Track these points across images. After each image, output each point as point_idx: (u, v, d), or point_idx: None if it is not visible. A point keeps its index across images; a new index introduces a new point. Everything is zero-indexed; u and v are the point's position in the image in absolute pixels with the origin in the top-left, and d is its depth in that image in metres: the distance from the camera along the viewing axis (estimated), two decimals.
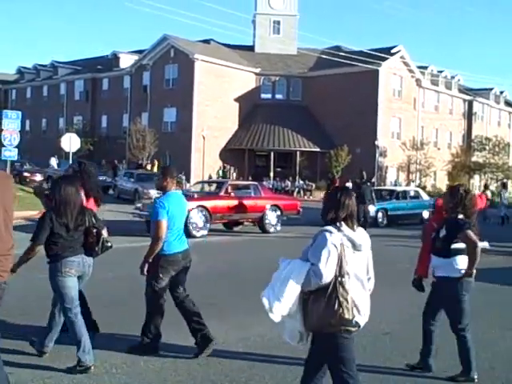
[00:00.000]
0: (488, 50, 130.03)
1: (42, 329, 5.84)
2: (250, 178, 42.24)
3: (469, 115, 56.42)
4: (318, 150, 46.61)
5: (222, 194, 18.32)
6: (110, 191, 32.34)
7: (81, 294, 6.21)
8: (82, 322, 5.49)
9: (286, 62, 50.59)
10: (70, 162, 28.80)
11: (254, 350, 6.13)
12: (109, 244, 5.74)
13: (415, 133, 49.29)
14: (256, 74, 49.61)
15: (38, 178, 37.22)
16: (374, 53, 44.34)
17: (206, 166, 44.49)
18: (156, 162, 41.07)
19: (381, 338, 6.68)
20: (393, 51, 47.54)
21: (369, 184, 19.55)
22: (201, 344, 5.88)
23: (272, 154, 47.05)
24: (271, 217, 19.08)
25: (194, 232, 16.69)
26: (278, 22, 52.34)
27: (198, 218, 16.91)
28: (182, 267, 6.05)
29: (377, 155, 46.06)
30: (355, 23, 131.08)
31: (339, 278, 3.84)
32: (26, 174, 34.14)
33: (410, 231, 21.27)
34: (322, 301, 3.84)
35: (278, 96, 50.32)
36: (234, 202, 18.08)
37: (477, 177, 51.73)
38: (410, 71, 49.05)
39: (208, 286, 9.50)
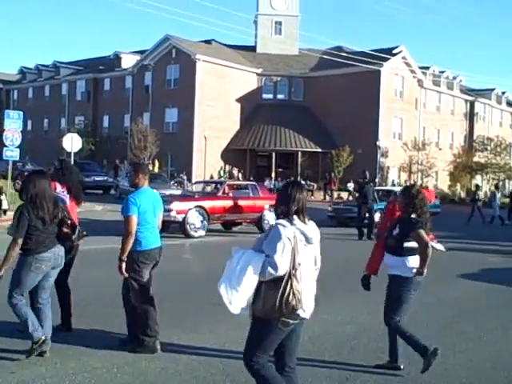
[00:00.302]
0: (490, 51, 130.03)
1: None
2: (252, 179, 42.29)
3: (470, 116, 56.38)
4: (319, 150, 46.60)
5: (220, 194, 18.27)
6: (112, 191, 32.36)
7: (66, 286, 6.45)
8: (27, 307, 5.68)
9: (288, 62, 50.60)
10: (72, 162, 28.88)
11: None
12: (84, 232, 5.99)
13: (417, 133, 49.27)
14: (258, 74, 49.63)
15: None
16: (375, 53, 44.32)
17: (208, 166, 44.51)
18: (156, 162, 41.08)
19: (383, 339, 6.66)
20: (394, 52, 47.54)
21: (371, 184, 19.36)
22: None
23: (273, 154, 47.05)
24: (270, 217, 18.84)
25: (192, 232, 16.65)
26: (280, 23, 52.35)
27: (195, 219, 16.83)
28: (156, 263, 6.15)
29: (378, 155, 46.06)
30: (357, 24, 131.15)
31: (293, 271, 3.95)
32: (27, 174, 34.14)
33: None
34: (276, 291, 3.92)
35: (280, 96, 50.33)
36: (232, 203, 18.03)
37: (479, 177, 51.68)
38: (412, 72, 49.04)
39: (209, 286, 9.49)
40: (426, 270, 5.47)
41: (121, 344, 6.02)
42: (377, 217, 21.96)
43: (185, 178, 40.04)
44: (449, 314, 8.17)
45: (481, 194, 28.67)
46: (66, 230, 5.68)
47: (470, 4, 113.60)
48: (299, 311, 4.03)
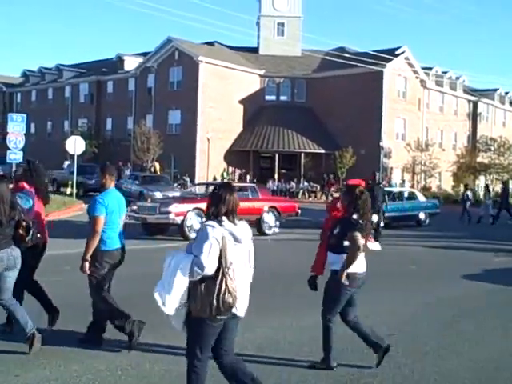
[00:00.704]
0: (492, 51, 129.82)
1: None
2: (255, 180, 42.29)
3: (474, 116, 56.31)
4: (322, 151, 46.59)
5: None
6: None
7: (34, 283, 6.61)
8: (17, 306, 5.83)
9: (291, 63, 50.60)
10: (75, 164, 28.98)
11: (261, 351, 6.14)
12: (38, 235, 6.08)
13: (420, 134, 49.21)
14: (260, 75, 49.65)
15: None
16: (378, 54, 44.30)
17: (211, 168, 44.54)
18: (157, 164, 40.99)
19: (388, 340, 6.66)
20: (397, 52, 47.51)
21: (381, 186, 19.06)
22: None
23: (277, 155, 47.04)
24: (269, 219, 18.84)
25: (191, 235, 16.27)
26: (282, 24, 52.37)
27: (194, 221, 16.60)
28: (117, 263, 6.24)
29: (381, 156, 46.01)
30: (359, 24, 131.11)
31: (226, 269, 4.08)
32: None
33: (408, 231, 21.28)
34: (213, 290, 4.06)
35: (283, 98, 50.34)
36: None
37: (482, 177, 51.59)
38: (415, 72, 49.00)
39: None
40: (347, 271, 5.45)
41: (81, 342, 6.13)
42: (374, 218, 21.88)
43: (188, 179, 40.07)
44: (449, 313, 8.17)
45: (470, 194, 28.92)
46: (21, 231, 5.76)
47: (472, 3, 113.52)
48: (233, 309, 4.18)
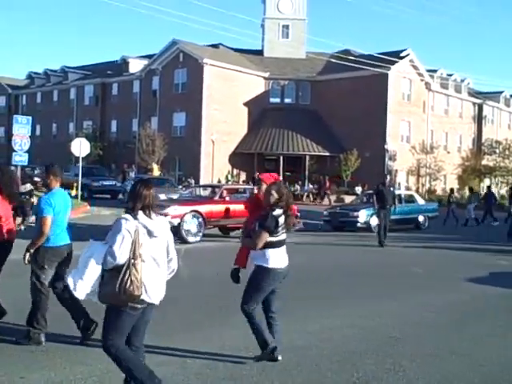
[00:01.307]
0: (498, 53, 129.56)
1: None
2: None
3: (479, 118, 56.21)
4: (327, 154, 46.56)
5: (216, 198, 17.81)
6: (120, 196, 32.43)
7: None
8: None
9: (295, 66, 50.60)
10: (80, 166, 29.03)
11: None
12: None
13: (425, 136, 49.16)
14: (265, 78, 49.68)
15: None
16: (383, 56, 44.29)
17: (216, 170, 44.57)
18: (154, 166, 40.90)
19: (390, 342, 6.66)
20: (402, 55, 47.48)
21: (391, 189, 18.74)
22: (84, 329, 6.27)
23: (281, 158, 47.02)
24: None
25: (188, 238, 16.31)
26: (287, 26, 52.40)
27: (191, 224, 16.51)
28: (65, 259, 6.36)
29: (386, 159, 45.96)
30: (364, 27, 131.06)
31: (132, 260, 4.32)
32: (36, 178, 34.31)
33: (408, 234, 21.20)
34: (117, 278, 4.30)
35: (287, 100, 50.35)
36: (229, 207, 17.58)
37: (487, 180, 51.47)
38: (420, 75, 48.94)
39: (214, 289, 9.50)
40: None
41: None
42: (374, 221, 21.69)
43: (192, 182, 40.10)
44: (455, 316, 8.14)
45: (455, 197, 29.36)
46: None
47: (476, 6, 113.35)
48: (144, 296, 4.40)
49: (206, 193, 19.89)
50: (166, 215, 15.97)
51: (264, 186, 6.14)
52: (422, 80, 49.24)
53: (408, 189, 43.42)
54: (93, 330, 6.22)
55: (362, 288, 10.19)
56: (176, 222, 16.09)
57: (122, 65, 54.93)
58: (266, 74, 49.58)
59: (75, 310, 6.30)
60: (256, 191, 6.71)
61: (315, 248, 17.00)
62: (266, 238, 5.56)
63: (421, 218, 23.58)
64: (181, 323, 7.24)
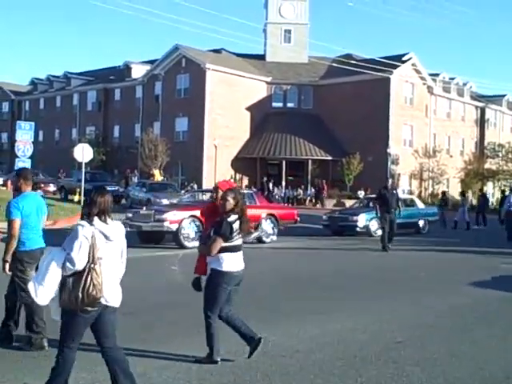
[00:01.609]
0: (500, 57, 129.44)
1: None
2: (271, 187, 42.36)
3: (481, 122, 56.17)
4: (329, 158, 46.56)
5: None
6: (123, 201, 32.44)
7: None
8: None
9: (297, 70, 50.65)
10: (83, 172, 29.06)
11: (268, 359, 6.12)
12: None
13: (427, 140, 49.15)
14: (267, 82, 49.73)
15: (52, 188, 37.48)
16: (385, 60, 44.31)
17: (218, 175, 44.54)
18: (155, 171, 40.89)
19: (394, 347, 6.64)
20: (404, 59, 47.52)
21: (394, 192, 18.26)
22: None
23: (284, 162, 47.05)
24: (267, 226, 18.48)
25: (186, 243, 16.12)
26: (289, 31, 52.48)
27: (190, 229, 16.32)
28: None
29: (389, 163, 45.93)
30: (366, 31, 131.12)
31: (92, 265, 4.47)
32: (39, 184, 34.38)
33: (408, 238, 21.11)
34: (78, 283, 4.44)
35: (290, 104, 50.40)
36: None
37: (490, 184, 51.42)
38: (422, 78, 48.96)
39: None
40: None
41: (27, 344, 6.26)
42: (374, 226, 21.57)
43: (195, 187, 40.11)
44: (460, 321, 8.12)
45: (448, 200, 30.39)
46: None
47: (478, 9, 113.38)
48: (101, 300, 4.53)
49: (205, 198, 19.67)
50: (164, 220, 15.83)
51: (220, 193, 6.27)
52: (424, 84, 49.25)
53: (411, 193, 43.41)
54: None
55: (364, 292, 10.18)
56: (174, 227, 16.01)
57: (125, 70, 55.05)
58: (269, 79, 49.64)
59: (13, 312, 6.44)
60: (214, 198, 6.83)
61: (316, 252, 17.00)
62: (221, 244, 5.74)
63: (421, 223, 23.51)
64: (183, 328, 7.24)
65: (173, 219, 16.04)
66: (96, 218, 4.61)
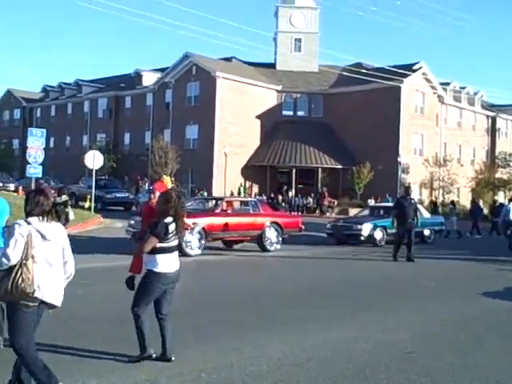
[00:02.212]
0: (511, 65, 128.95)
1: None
2: (273, 195, 42.30)
3: (492, 131, 55.97)
4: (339, 166, 46.50)
5: (218, 211, 17.47)
6: (133, 208, 32.51)
7: None
8: None
9: (308, 79, 50.72)
10: (94, 178, 29.19)
11: (278, 368, 6.09)
12: None
13: (438, 149, 48.99)
14: (277, 91, 49.81)
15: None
16: (395, 69, 44.28)
17: (228, 183, 44.61)
18: (166, 178, 41.00)
19: (405, 358, 6.59)
20: (415, 68, 47.46)
21: (413, 201, 17.40)
22: None
23: (294, 170, 47.03)
24: (271, 234, 18.23)
25: (188, 250, 15.90)
26: (300, 40, 52.60)
27: (192, 236, 16.11)
28: None
29: (399, 172, 45.81)
30: (376, 40, 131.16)
31: (24, 261, 4.73)
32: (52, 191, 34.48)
33: (414, 246, 20.88)
34: (10, 277, 4.69)
35: (300, 113, 50.43)
36: (231, 220, 17.29)
37: (501, 193, 51.09)
38: (433, 87, 48.86)
39: (221, 304, 9.49)
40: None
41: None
42: (378, 235, 21.35)
43: (205, 194, 40.14)
44: (471, 332, 8.05)
45: (439, 209, 30.85)
46: None
47: (489, 19, 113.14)
48: (37, 294, 4.74)
49: (209, 205, 19.44)
50: None
51: (157, 194, 6.50)
52: (434, 93, 49.15)
53: (421, 202, 43.19)
54: None
55: (372, 301, 10.13)
56: None
57: (136, 78, 55.29)
58: (279, 87, 49.71)
59: None
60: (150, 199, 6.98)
61: (321, 261, 16.91)
62: (155, 243, 5.91)
63: (426, 232, 23.27)
64: (194, 335, 7.22)
65: None
66: (35, 218, 4.85)
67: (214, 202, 19.30)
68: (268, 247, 18.08)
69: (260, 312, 8.82)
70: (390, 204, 26.31)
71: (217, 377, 5.73)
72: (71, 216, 21.15)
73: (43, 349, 6.02)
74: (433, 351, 6.89)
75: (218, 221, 17.06)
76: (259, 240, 18.05)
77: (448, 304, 10.10)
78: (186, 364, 6.03)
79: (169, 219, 5.97)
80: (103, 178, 37.82)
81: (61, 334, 6.43)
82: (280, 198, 41.37)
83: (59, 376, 4.92)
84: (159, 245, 5.93)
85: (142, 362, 6.02)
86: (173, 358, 6.07)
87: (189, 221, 16.09)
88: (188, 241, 16.01)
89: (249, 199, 21.40)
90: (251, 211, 18.40)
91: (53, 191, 19.46)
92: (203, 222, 16.59)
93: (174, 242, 6.10)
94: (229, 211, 17.79)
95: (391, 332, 7.73)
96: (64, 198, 21.00)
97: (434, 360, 6.55)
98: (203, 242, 16.48)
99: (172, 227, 5.98)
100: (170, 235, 5.99)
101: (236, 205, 19.49)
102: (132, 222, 17.29)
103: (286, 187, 44.64)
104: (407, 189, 18.27)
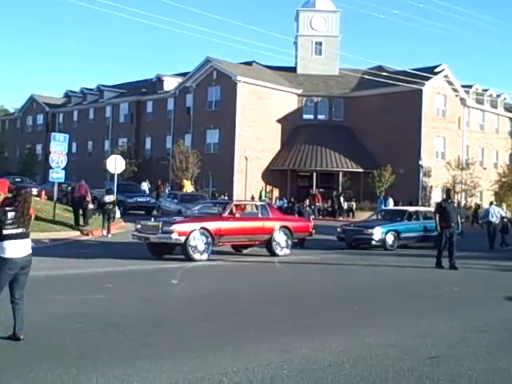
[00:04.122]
0: None
1: None
2: (293, 199, 42.20)
3: None
4: (360, 170, 46.30)
5: (225, 214, 17.09)
6: (154, 212, 32.63)
7: None
8: None
9: (328, 82, 50.63)
10: (115, 183, 29.35)
11: (300, 372, 6.06)
12: None
13: (460, 152, 48.56)
14: (298, 94, 49.78)
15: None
16: (417, 72, 44.01)
17: (249, 187, 44.63)
18: (185, 182, 41.12)
19: (428, 363, 6.51)
20: (436, 70, 47.14)
21: (455, 205, 16.63)
22: None
23: (314, 174, 46.93)
24: (280, 239, 17.95)
25: (195, 255, 15.72)
26: (320, 43, 52.55)
27: (198, 241, 15.92)
28: None
29: (421, 175, 45.49)
30: (398, 43, 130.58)
31: None
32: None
33: (430, 251, 20.63)
34: None
35: (320, 117, 50.35)
36: (239, 224, 17.06)
37: None
38: (454, 90, 48.48)
39: (245, 307, 9.47)
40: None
41: None
42: (390, 239, 20.97)
43: (226, 198, 40.17)
44: (497, 338, 7.92)
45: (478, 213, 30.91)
46: None
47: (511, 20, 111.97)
48: None
49: (217, 209, 18.96)
50: (171, 232, 15.47)
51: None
52: (456, 96, 48.76)
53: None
54: None
55: (394, 306, 10.04)
56: (182, 239, 15.61)
57: (157, 83, 55.64)
58: (299, 91, 49.68)
59: None
60: None
61: (334, 266, 16.77)
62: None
63: None
64: (215, 339, 7.21)
65: (181, 231, 15.64)
66: None
67: (221, 205, 18.89)
68: (277, 252, 17.79)
69: (280, 316, 8.78)
70: (404, 207, 26.07)
71: (238, 380, 5.70)
72: (118, 214, 23.00)
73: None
74: (456, 356, 6.80)
75: (226, 225, 16.78)
76: (268, 244, 17.79)
77: (472, 308, 9.97)
78: (207, 368, 6.01)
79: (9, 208, 6.59)
80: (125, 182, 38.00)
81: (77, 345, 6.47)
82: (307, 202, 41.00)
83: (82, 377, 4.95)
84: (5, 232, 6.52)
85: (164, 366, 6.02)
86: (21, 337, 6.56)
87: (196, 225, 16.11)
88: (193, 245, 15.79)
89: (258, 203, 20.90)
90: (260, 215, 18.14)
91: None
92: (210, 226, 16.33)
93: (18, 230, 6.62)
94: (237, 215, 17.54)
95: (414, 337, 7.64)
96: (112, 197, 22.77)
97: (458, 365, 6.46)
98: (210, 246, 16.19)
99: (11, 214, 6.55)
100: (9, 221, 6.53)
101: (244, 208, 19.27)
102: (138, 226, 17.15)
103: (335, 193, 43.66)
104: (449, 191, 17.53)
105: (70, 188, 38.59)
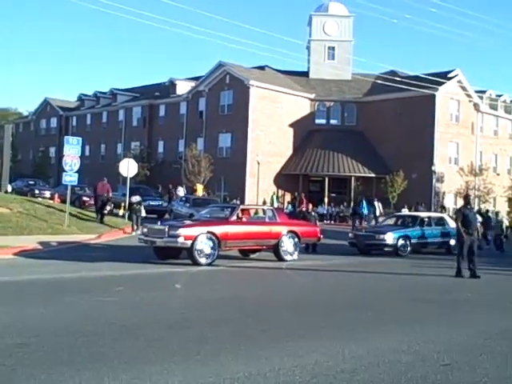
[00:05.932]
0: None
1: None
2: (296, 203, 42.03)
3: None
4: (373, 175, 46.18)
5: (232, 219, 17.00)
6: (166, 216, 32.71)
7: None
8: None
9: (341, 87, 50.58)
10: (128, 186, 29.47)
11: (312, 378, 6.02)
12: None
13: (473, 158, 48.31)
14: (311, 99, 49.77)
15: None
16: (430, 77, 43.87)
17: (261, 191, 44.63)
18: (197, 186, 41.13)
19: (441, 370, 6.45)
20: (450, 75, 46.96)
21: (474, 211, 16.21)
22: None
23: (326, 179, 46.85)
24: (287, 244, 17.81)
25: (201, 259, 15.60)
26: (333, 48, 52.54)
27: (205, 245, 15.75)
28: None
29: (433, 181, 45.29)
30: (411, 48, 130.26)
31: None
32: (85, 198, 34.94)
33: (441, 257, 20.48)
34: None
35: (333, 121, 50.30)
36: (246, 228, 16.96)
37: None
38: (468, 96, 48.25)
39: (255, 311, 9.44)
40: None
41: None
42: (402, 245, 20.87)
43: (238, 203, 40.18)
44: (510, 344, 7.85)
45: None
46: None
47: None
48: None
49: (224, 213, 18.81)
50: (178, 236, 15.34)
51: None
52: (470, 101, 48.53)
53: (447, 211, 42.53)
54: None
55: (407, 312, 9.98)
56: (189, 243, 15.48)
57: (170, 87, 55.86)
58: (312, 96, 49.66)
59: None
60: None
61: (351, 272, 16.70)
62: None
63: (452, 242, 22.69)
64: (227, 344, 7.19)
65: (187, 235, 15.50)
66: None
67: (229, 210, 18.68)
68: (285, 257, 17.67)
69: (291, 321, 8.76)
70: (417, 213, 25.86)
71: None
72: (143, 213, 24.51)
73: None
74: (470, 363, 6.74)
75: (233, 229, 16.63)
76: (276, 249, 17.66)
77: (485, 315, 9.89)
78: (218, 372, 5.99)
79: None
80: (138, 186, 38.13)
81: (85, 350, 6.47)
82: (310, 206, 40.79)
83: (92, 381, 4.95)
84: None
85: (176, 370, 6.01)
86: None
87: (203, 229, 15.96)
88: (200, 249, 15.66)
89: (265, 207, 20.77)
90: (267, 220, 18.07)
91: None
92: (217, 230, 16.18)
93: None
94: (244, 219, 17.49)
95: (427, 344, 7.58)
96: (138, 198, 24.68)
97: (471, 372, 6.40)
98: (216, 250, 16.00)
99: None
100: None
101: (252, 213, 19.18)
102: (144, 229, 17.09)
103: (361, 197, 43.38)
104: (468, 197, 16.88)
105: (87, 188, 39.05)
